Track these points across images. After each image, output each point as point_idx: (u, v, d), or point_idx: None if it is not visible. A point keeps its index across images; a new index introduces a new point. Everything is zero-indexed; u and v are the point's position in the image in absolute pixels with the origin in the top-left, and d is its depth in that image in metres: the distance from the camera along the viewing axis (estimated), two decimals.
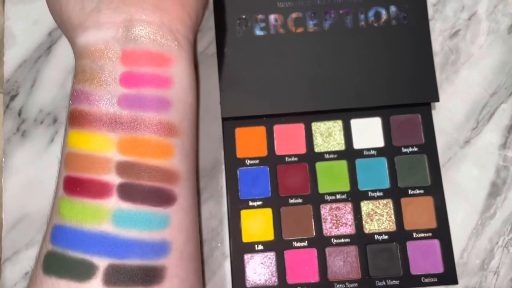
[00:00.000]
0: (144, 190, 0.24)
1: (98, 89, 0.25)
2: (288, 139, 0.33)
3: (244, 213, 0.31)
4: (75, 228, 0.24)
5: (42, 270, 0.24)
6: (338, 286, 0.30)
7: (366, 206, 0.32)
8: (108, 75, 0.25)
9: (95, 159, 0.24)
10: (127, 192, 0.24)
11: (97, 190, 0.24)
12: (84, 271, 0.23)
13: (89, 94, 0.25)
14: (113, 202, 0.24)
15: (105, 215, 0.24)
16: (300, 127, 0.33)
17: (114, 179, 0.24)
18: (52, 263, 0.23)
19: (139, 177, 0.24)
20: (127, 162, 0.24)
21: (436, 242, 0.31)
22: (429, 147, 0.32)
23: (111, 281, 0.23)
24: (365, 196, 0.32)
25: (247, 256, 0.31)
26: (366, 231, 0.31)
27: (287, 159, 0.32)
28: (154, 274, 0.24)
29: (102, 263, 0.23)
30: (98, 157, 0.24)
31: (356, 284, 0.31)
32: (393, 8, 0.33)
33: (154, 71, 0.26)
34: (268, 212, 0.31)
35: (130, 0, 0.26)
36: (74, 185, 0.24)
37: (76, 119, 0.25)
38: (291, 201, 0.32)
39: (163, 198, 0.25)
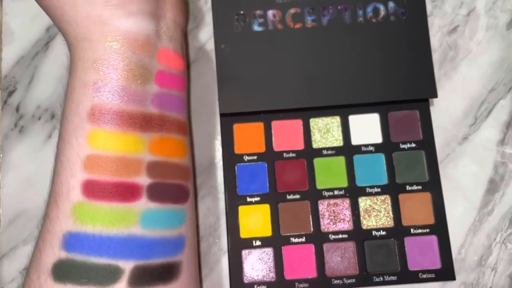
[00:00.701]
0: (169, 189, 0.24)
1: (134, 84, 0.23)
2: (286, 135, 0.33)
3: (242, 209, 0.31)
4: (100, 234, 0.22)
5: (52, 279, 0.22)
6: (335, 282, 0.31)
7: (364, 202, 0.32)
8: (146, 70, 0.23)
9: (127, 161, 0.23)
10: (155, 192, 0.23)
11: (128, 193, 0.22)
12: (109, 276, 0.22)
13: (122, 89, 0.23)
14: (142, 204, 0.23)
15: (134, 218, 0.22)
16: (298, 123, 0.33)
17: (144, 180, 0.23)
18: (67, 271, 0.22)
19: (165, 176, 0.24)
20: (157, 162, 0.24)
21: (433, 238, 0.31)
22: (427, 143, 0.32)
23: (136, 283, 0.22)
24: (363, 192, 0.32)
25: (245, 252, 0.31)
26: (364, 227, 0.31)
27: (285, 155, 0.32)
28: (173, 270, 0.24)
29: (128, 266, 0.22)
30: (131, 159, 0.23)
31: (353, 280, 0.31)
32: (391, 4, 0.33)
33: (179, 73, 0.26)
34: (266, 208, 0.31)
35: None
36: (100, 189, 0.22)
37: (104, 116, 0.23)
38: (289, 197, 0.32)
39: (182, 194, 0.25)
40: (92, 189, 0.22)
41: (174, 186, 0.24)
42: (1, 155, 0.33)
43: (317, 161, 0.32)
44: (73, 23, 0.24)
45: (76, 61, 0.24)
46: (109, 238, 0.22)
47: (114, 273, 0.22)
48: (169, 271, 0.23)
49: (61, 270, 0.22)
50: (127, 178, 0.22)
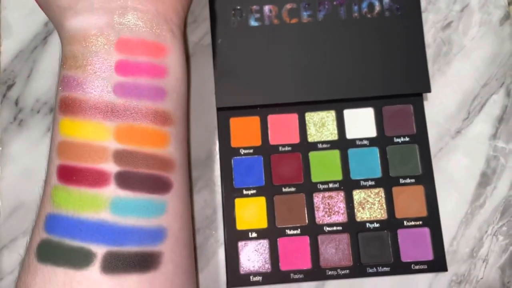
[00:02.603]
0: (141, 178, 0.24)
1: (92, 76, 0.24)
2: (282, 129, 0.33)
3: (238, 202, 0.32)
4: (72, 216, 0.23)
5: (36, 258, 0.23)
6: (330, 272, 0.31)
7: (358, 195, 0.32)
8: (102, 62, 0.25)
9: (91, 147, 0.24)
10: (125, 181, 0.24)
11: (95, 178, 0.24)
12: (82, 258, 0.23)
13: (83, 81, 0.24)
14: (111, 190, 0.24)
15: (103, 203, 0.23)
16: (293, 117, 0.33)
17: (111, 167, 0.24)
18: (48, 251, 0.23)
19: (136, 166, 0.24)
20: (125, 150, 0.24)
21: (426, 230, 0.32)
22: (420, 137, 0.33)
23: (109, 268, 0.23)
24: (357, 185, 0.32)
25: (241, 244, 0.31)
26: (358, 219, 0.32)
27: (280, 148, 0.33)
28: (151, 259, 0.24)
29: (100, 250, 0.23)
30: (95, 145, 0.24)
31: (347, 271, 0.31)
32: (386, 0, 0.34)
33: (149, 61, 0.26)
34: (261, 200, 0.32)
35: None
36: (70, 173, 0.24)
37: (69, 106, 0.25)
38: (285, 189, 0.32)
39: (160, 185, 0.25)
40: (64, 174, 0.24)
41: (148, 176, 0.25)
42: (1, 148, 0.33)
43: (312, 155, 0.33)
44: (52, 22, 0.27)
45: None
46: (79, 221, 0.23)
47: (86, 256, 0.23)
48: (145, 260, 0.24)
49: (43, 251, 0.23)
50: (93, 164, 0.24)
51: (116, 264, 0.23)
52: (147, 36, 0.26)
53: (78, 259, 0.23)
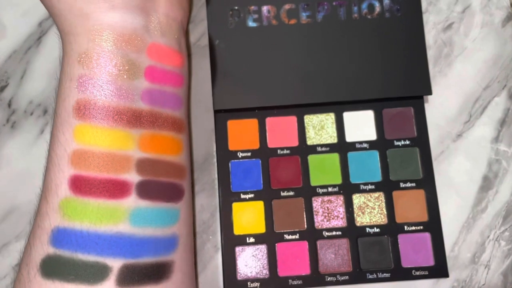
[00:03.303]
0: (161, 187, 0.23)
1: (120, 79, 0.23)
2: (281, 131, 0.32)
3: (235, 206, 0.31)
4: (88, 230, 0.22)
5: (40, 275, 0.22)
6: (329, 278, 0.31)
7: (357, 199, 0.32)
8: (133, 65, 0.23)
9: (114, 157, 0.22)
10: (146, 190, 0.23)
11: (116, 189, 0.22)
12: (97, 273, 0.21)
13: (107, 84, 0.23)
14: (131, 201, 0.22)
15: (123, 215, 0.22)
16: (292, 120, 0.33)
17: (134, 177, 0.23)
18: (55, 267, 0.22)
19: (157, 174, 0.23)
20: (148, 159, 0.23)
21: (427, 235, 0.31)
22: (421, 140, 0.32)
23: (124, 281, 0.22)
24: (357, 189, 0.32)
25: (238, 249, 0.31)
26: (358, 224, 0.31)
27: (279, 151, 0.32)
28: (164, 269, 0.23)
29: (116, 264, 0.22)
30: (118, 155, 0.22)
31: (347, 277, 0.31)
32: (386, 1, 0.33)
33: (173, 69, 0.25)
34: (259, 204, 0.31)
35: None
36: (87, 184, 0.22)
37: (88, 110, 0.22)
38: (283, 193, 0.32)
39: (175, 193, 0.24)
40: (79, 185, 0.22)
41: (166, 185, 0.24)
42: None
43: (311, 158, 0.32)
44: (60, 16, 0.23)
45: (64, 55, 0.24)
46: (96, 235, 0.22)
47: (101, 271, 0.21)
48: (159, 271, 0.23)
49: (49, 266, 0.22)
50: (115, 175, 0.22)
51: (132, 277, 0.22)
52: (173, 44, 0.25)
53: (92, 274, 0.21)
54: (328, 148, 0.32)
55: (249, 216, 0.31)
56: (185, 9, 0.26)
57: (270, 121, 0.33)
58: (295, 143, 0.32)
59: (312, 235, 0.31)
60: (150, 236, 0.23)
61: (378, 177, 0.32)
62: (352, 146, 0.32)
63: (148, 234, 0.23)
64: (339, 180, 0.32)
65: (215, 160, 0.32)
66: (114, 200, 0.22)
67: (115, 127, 0.22)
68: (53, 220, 0.22)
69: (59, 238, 0.22)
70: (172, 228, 0.24)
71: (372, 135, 0.33)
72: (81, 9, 0.23)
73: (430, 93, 0.32)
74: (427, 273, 0.31)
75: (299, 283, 0.30)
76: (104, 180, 0.22)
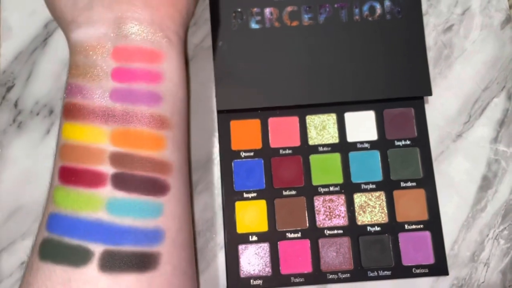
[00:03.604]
0: (137, 180, 0.25)
1: (91, 83, 0.26)
2: (283, 132, 0.33)
3: (238, 205, 0.32)
4: (71, 215, 0.24)
5: (38, 257, 0.24)
6: (330, 276, 0.31)
7: (359, 198, 0.32)
8: (100, 70, 0.26)
9: (89, 150, 0.25)
10: (121, 182, 0.25)
11: (92, 179, 0.25)
12: (80, 256, 0.23)
13: (83, 88, 0.26)
14: (107, 191, 0.24)
15: (100, 203, 0.24)
16: (294, 120, 0.33)
17: (108, 169, 0.25)
18: (48, 250, 0.24)
19: (132, 168, 0.25)
20: (120, 153, 0.25)
21: (427, 234, 0.32)
22: (421, 141, 0.33)
23: (106, 266, 0.23)
24: (358, 188, 0.32)
25: (241, 247, 0.31)
26: (359, 223, 0.32)
27: (281, 151, 0.33)
28: (148, 260, 0.24)
29: (97, 249, 0.23)
30: (92, 148, 0.25)
31: (348, 275, 0.31)
32: (387, 3, 0.34)
33: (145, 67, 0.26)
34: (262, 203, 0.32)
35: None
36: (69, 174, 0.25)
37: (70, 111, 0.26)
38: (285, 193, 0.32)
39: (156, 187, 0.25)
40: (64, 175, 0.25)
41: (144, 178, 0.25)
42: (0, 151, 0.33)
43: (313, 158, 0.33)
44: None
45: None
46: (78, 220, 0.24)
47: (84, 254, 0.23)
48: (143, 260, 0.24)
49: (44, 249, 0.24)
50: (90, 166, 0.25)
51: (113, 262, 0.24)
52: (142, 43, 0.26)
53: (77, 257, 0.23)
54: (329, 148, 0.33)
55: (251, 215, 0.32)
56: (156, 7, 0.27)
57: (272, 121, 0.33)
58: (297, 143, 0.33)
59: (314, 233, 0.32)
60: (129, 226, 0.24)
61: (379, 177, 0.32)
62: (353, 146, 0.33)
63: (127, 223, 0.24)
64: (340, 180, 0.32)
65: (218, 159, 0.33)
66: (91, 189, 0.24)
67: (88, 123, 0.25)
68: (49, 206, 0.25)
69: (52, 223, 0.25)
70: (155, 221, 0.25)
71: (373, 135, 0.33)
72: (63, 31, 0.28)
73: (430, 94, 0.33)
74: (427, 271, 0.31)
75: (301, 280, 0.31)
76: (82, 170, 0.25)
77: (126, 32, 0.26)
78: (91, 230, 0.24)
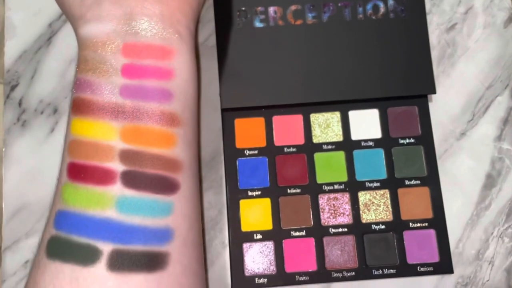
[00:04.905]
0: (147, 178, 0.25)
1: (100, 78, 0.25)
2: (287, 130, 0.33)
3: (243, 203, 0.32)
4: (79, 213, 0.24)
5: (45, 255, 0.24)
6: (335, 274, 0.31)
7: (363, 196, 0.32)
8: (109, 66, 0.25)
9: (98, 146, 0.25)
10: (131, 180, 0.24)
11: (101, 176, 0.24)
12: (89, 255, 0.23)
13: (92, 83, 0.25)
14: (117, 189, 0.24)
15: (109, 201, 0.24)
16: (298, 118, 0.33)
17: (117, 166, 0.24)
18: (56, 248, 0.24)
19: (142, 165, 0.25)
20: (130, 150, 0.24)
21: (432, 232, 0.32)
22: (425, 139, 0.33)
23: (115, 265, 0.23)
24: (362, 186, 0.32)
25: (246, 245, 0.31)
26: (364, 221, 0.32)
27: (285, 149, 0.33)
28: (157, 259, 0.24)
29: (106, 247, 0.23)
30: (102, 144, 0.25)
31: (353, 273, 0.31)
32: (391, 1, 0.34)
33: (155, 64, 0.26)
34: (266, 202, 0.32)
35: None
36: (78, 171, 0.25)
37: (79, 107, 0.25)
38: (290, 191, 0.32)
39: (166, 186, 0.25)
40: (73, 172, 0.25)
41: (154, 176, 0.25)
42: (4, 149, 0.33)
43: (317, 156, 0.33)
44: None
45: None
46: (86, 218, 0.24)
47: (93, 253, 0.23)
48: (152, 260, 0.24)
49: (52, 247, 0.24)
50: (99, 163, 0.24)
51: (122, 262, 0.23)
52: (152, 40, 0.26)
53: (85, 256, 0.23)
54: (334, 146, 0.33)
55: (256, 213, 0.32)
56: (166, 1, 0.26)
57: (276, 119, 0.33)
58: (301, 141, 0.33)
59: (318, 231, 0.31)
60: (139, 225, 0.24)
61: (383, 175, 0.32)
62: (358, 144, 0.33)
63: (136, 222, 0.24)
64: (345, 178, 0.32)
65: (222, 157, 0.33)
66: (101, 186, 0.24)
67: (98, 120, 0.25)
68: (57, 203, 0.25)
69: (60, 221, 0.24)
70: (165, 220, 0.25)
71: (377, 134, 0.33)
72: (72, 26, 0.27)
73: (434, 92, 0.33)
74: (432, 269, 0.31)
75: (305, 279, 0.31)
76: (91, 167, 0.24)
77: (136, 29, 0.26)
78: (100, 228, 0.23)
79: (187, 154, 0.26)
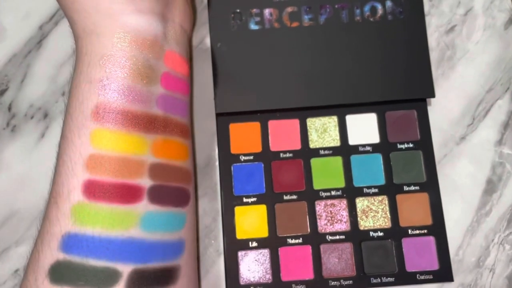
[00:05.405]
0: (170, 191, 0.24)
1: (140, 84, 0.22)
2: (283, 135, 0.32)
3: (238, 210, 0.31)
4: (99, 235, 0.21)
5: (49, 281, 0.21)
6: (333, 283, 0.30)
7: (361, 203, 0.31)
8: (152, 71, 0.23)
9: (129, 162, 0.22)
10: (156, 195, 0.23)
11: (129, 194, 0.22)
12: (107, 279, 0.21)
13: (128, 88, 0.22)
14: (143, 206, 0.22)
15: (134, 220, 0.22)
16: (295, 123, 0.32)
17: (146, 182, 0.22)
18: (65, 273, 0.21)
19: (168, 179, 0.23)
20: (160, 164, 0.23)
21: (431, 239, 0.31)
22: (424, 143, 0.32)
23: (133, 286, 0.22)
24: (360, 192, 0.31)
25: (241, 253, 0.30)
26: (361, 228, 0.31)
27: (281, 155, 0.32)
28: (170, 274, 0.23)
29: (126, 269, 0.21)
30: (133, 159, 0.22)
31: (351, 281, 0.30)
32: (389, 3, 0.33)
33: (183, 77, 0.26)
34: (262, 208, 0.31)
35: (177, 2, 0.26)
36: (101, 189, 0.22)
37: (105, 114, 0.22)
38: (286, 197, 0.31)
39: (183, 197, 0.24)
40: (93, 190, 0.22)
41: (175, 189, 0.24)
42: None
43: (314, 161, 0.32)
44: (83, 13, 0.23)
45: (82, 55, 0.23)
46: (108, 240, 0.21)
47: (112, 276, 0.21)
48: (167, 275, 0.23)
49: (58, 272, 0.21)
50: (129, 180, 0.22)
51: (141, 281, 0.22)
52: (184, 53, 0.26)
53: (102, 280, 0.21)
54: (331, 151, 0.32)
55: (251, 220, 0.31)
56: (192, 22, 0.27)
57: (272, 124, 0.32)
58: (297, 146, 0.32)
59: (315, 239, 0.31)
60: (159, 241, 0.23)
61: (381, 181, 0.32)
62: (355, 149, 0.32)
63: (157, 238, 0.23)
64: (342, 184, 0.32)
65: (217, 163, 0.32)
66: (127, 205, 0.22)
67: (132, 132, 0.22)
68: (64, 225, 0.22)
69: (69, 244, 0.22)
70: (179, 233, 0.24)
71: (375, 138, 0.32)
72: (109, 8, 0.22)
73: (433, 95, 0.32)
74: (431, 277, 0.30)
75: (302, 287, 0.30)
76: (118, 184, 0.22)
77: (177, 37, 0.25)
78: (122, 250, 0.21)
79: (192, 164, 0.27)
